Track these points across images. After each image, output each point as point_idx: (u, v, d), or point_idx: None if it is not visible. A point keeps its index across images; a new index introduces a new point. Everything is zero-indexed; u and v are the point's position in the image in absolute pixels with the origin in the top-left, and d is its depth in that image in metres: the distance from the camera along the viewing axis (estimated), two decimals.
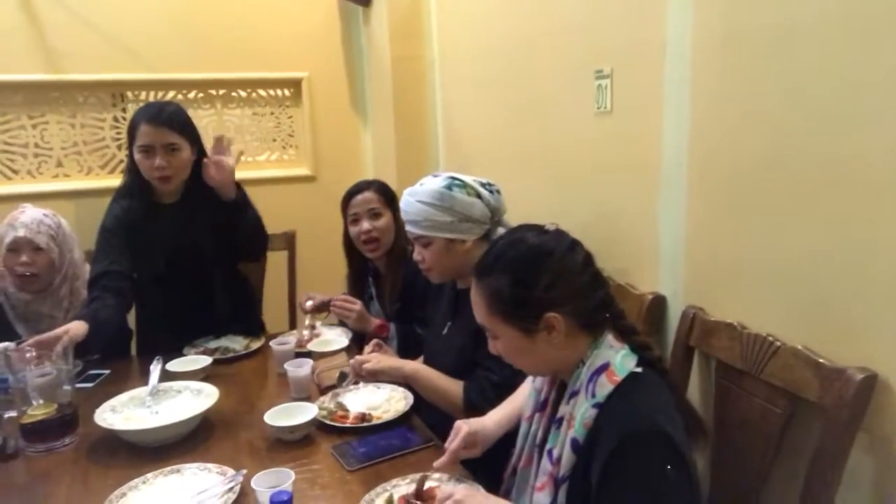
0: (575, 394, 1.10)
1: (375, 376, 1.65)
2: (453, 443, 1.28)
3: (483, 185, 1.61)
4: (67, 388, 1.60)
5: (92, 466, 1.47)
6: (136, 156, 2.00)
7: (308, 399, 1.68)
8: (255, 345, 2.13)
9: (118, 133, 3.00)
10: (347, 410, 1.61)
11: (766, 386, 1.25)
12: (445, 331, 1.68)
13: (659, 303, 1.56)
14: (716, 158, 1.38)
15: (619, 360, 1.08)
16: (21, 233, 1.95)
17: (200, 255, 2.10)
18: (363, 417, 1.56)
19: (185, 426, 1.54)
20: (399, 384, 1.68)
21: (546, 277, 1.09)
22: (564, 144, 1.90)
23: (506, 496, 1.25)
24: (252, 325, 2.31)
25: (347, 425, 1.54)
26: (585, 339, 1.12)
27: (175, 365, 1.89)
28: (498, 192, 1.63)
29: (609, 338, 1.12)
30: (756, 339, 1.27)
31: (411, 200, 1.59)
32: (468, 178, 1.61)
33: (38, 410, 1.54)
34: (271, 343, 1.98)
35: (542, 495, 1.10)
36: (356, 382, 1.70)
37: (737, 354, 1.31)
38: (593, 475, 1.01)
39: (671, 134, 1.49)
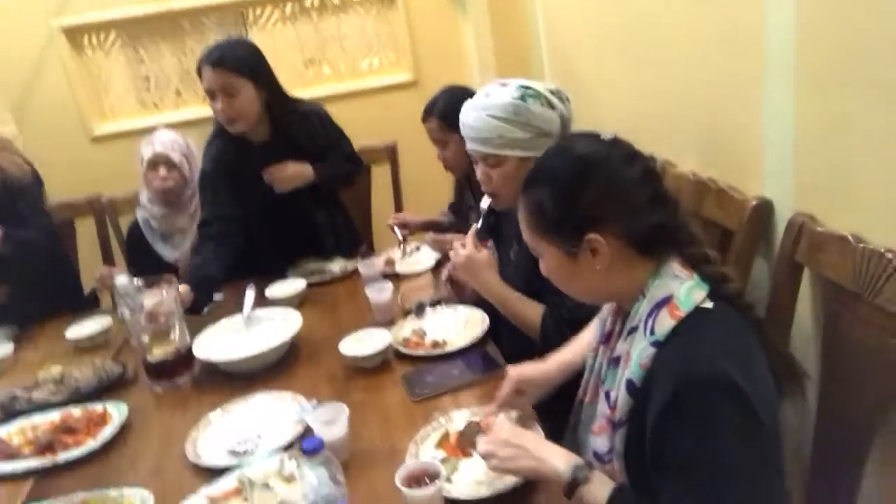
0: (633, 330, 0.97)
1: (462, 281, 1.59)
2: (500, 391, 1.21)
3: (553, 92, 1.44)
4: (184, 327, 1.65)
5: (192, 393, 1.58)
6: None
7: (391, 323, 1.67)
8: (352, 266, 2.11)
9: None
10: (424, 335, 1.58)
11: (882, 313, 1.02)
12: (513, 255, 1.56)
13: (764, 209, 1.31)
14: (830, 32, 1.08)
15: (685, 292, 0.93)
16: (158, 149, 2.16)
17: (297, 191, 2.10)
18: (436, 344, 1.53)
19: (271, 355, 1.59)
20: (479, 305, 1.61)
21: (592, 191, 0.95)
22: (660, 27, 1.62)
23: (574, 428, 1.18)
24: (353, 246, 2.31)
25: (420, 353, 1.52)
26: (645, 267, 0.97)
27: (272, 290, 1.95)
28: (567, 99, 1.46)
29: (674, 266, 0.96)
30: (872, 255, 1.03)
31: (481, 115, 1.42)
32: (539, 86, 1.44)
33: (159, 349, 1.60)
34: (359, 265, 1.95)
35: (600, 440, 1.01)
36: (435, 305, 1.66)
37: (848, 273, 1.08)
38: (648, 422, 0.90)
39: (774, 3, 1.20)
